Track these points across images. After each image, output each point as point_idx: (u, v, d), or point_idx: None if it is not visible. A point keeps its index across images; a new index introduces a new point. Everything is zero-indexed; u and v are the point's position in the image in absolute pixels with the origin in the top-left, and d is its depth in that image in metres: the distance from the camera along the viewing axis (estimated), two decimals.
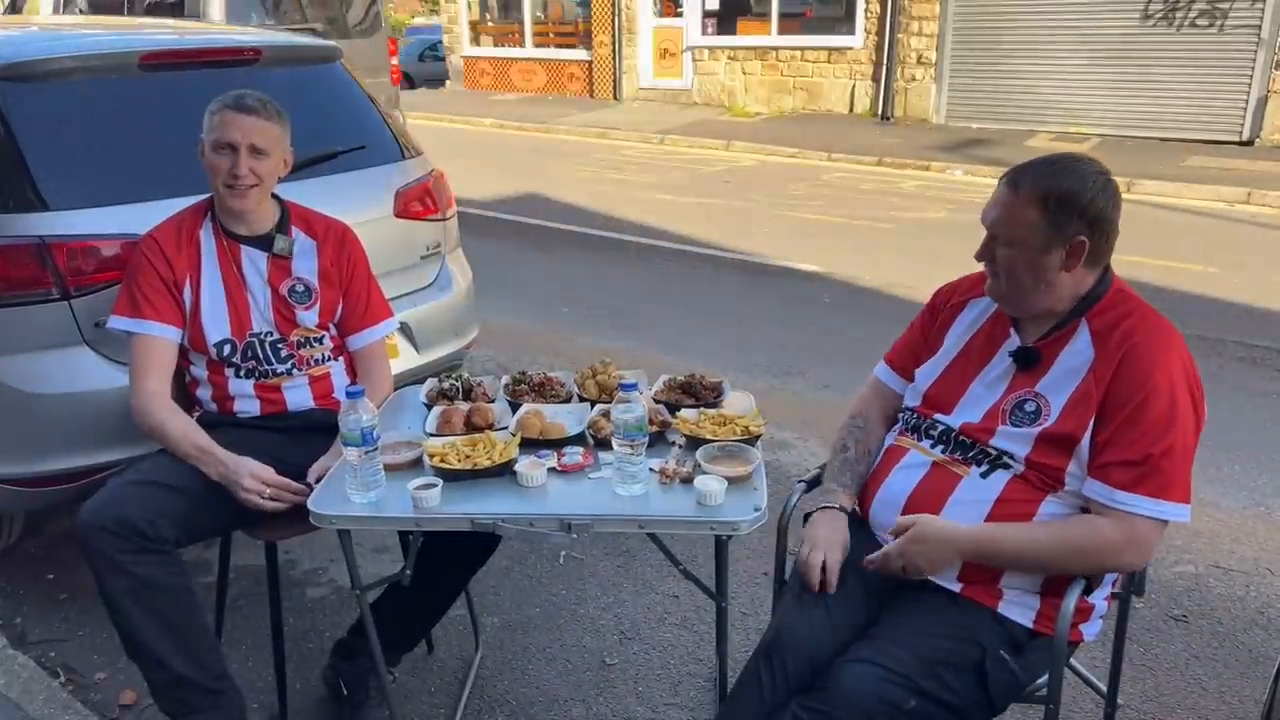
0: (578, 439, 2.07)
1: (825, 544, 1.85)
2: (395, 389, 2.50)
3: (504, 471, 1.92)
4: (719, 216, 8.24)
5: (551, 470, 1.94)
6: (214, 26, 4.57)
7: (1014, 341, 1.84)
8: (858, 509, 1.98)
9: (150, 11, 9.17)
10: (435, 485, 1.84)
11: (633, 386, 1.87)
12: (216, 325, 2.29)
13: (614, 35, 15.40)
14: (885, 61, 12.70)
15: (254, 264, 2.33)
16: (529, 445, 2.03)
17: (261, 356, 2.33)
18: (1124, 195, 1.77)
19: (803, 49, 13.61)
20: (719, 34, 14.56)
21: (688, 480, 1.87)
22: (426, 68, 20.41)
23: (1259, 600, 2.89)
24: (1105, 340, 1.73)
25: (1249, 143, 10.45)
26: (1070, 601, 1.68)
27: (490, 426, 2.11)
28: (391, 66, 10.13)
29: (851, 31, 13.15)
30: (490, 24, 17.88)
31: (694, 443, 2.01)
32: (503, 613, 2.87)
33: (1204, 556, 3.11)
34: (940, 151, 10.64)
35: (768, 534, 2.01)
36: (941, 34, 12.31)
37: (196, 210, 2.35)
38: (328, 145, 3.03)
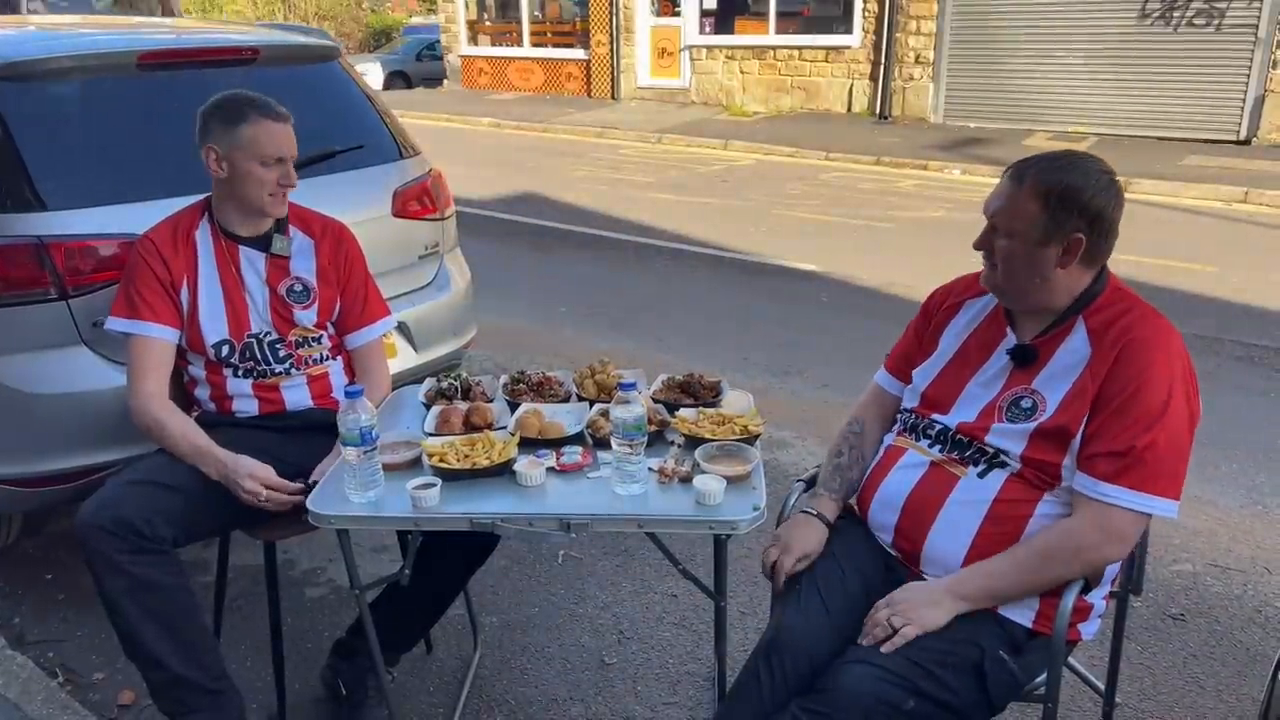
0: (576, 438, 2.07)
1: (783, 545, 1.88)
2: (394, 389, 2.50)
3: (503, 471, 1.92)
4: (717, 216, 8.24)
5: (550, 470, 1.94)
6: (212, 26, 4.56)
7: (1010, 340, 1.84)
8: (855, 509, 1.99)
9: None
10: (434, 485, 1.84)
11: (631, 386, 1.86)
12: (214, 326, 2.29)
13: (612, 34, 15.40)
14: (883, 61, 12.71)
15: (252, 264, 2.33)
16: (528, 445, 2.03)
17: (260, 357, 2.33)
18: None
19: (800, 48, 13.62)
20: (717, 33, 14.58)
21: (686, 480, 1.87)
22: (424, 67, 20.43)
23: (1256, 599, 2.89)
24: (1102, 337, 1.73)
25: (1246, 142, 10.48)
26: (1068, 600, 1.68)
27: (489, 426, 2.11)
28: None
29: (849, 31, 13.16)
30: (488, 23, 17.89)
31: (693, 442, 2.01)
32: (501, 612, 2.87)
33: (1202, 555, 3.12)
34: (938, 151, 10.66)
35: (766, 533, 2.01)
36: (939, 33, 12.32)
37: (193, 211, 2.34)
38: (326, 145, 3.03)
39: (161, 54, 2.86)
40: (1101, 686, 2.12)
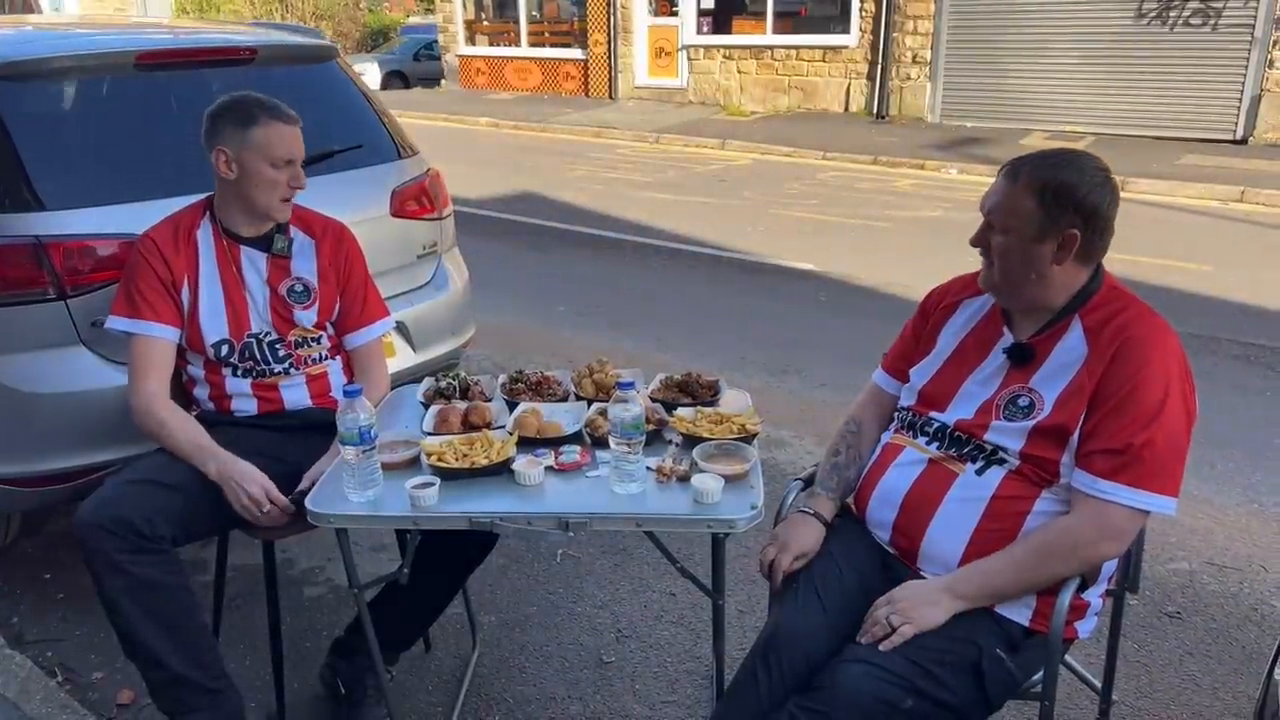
0: (575, 438, 2.07)
1: (781, 544, 1.89)
2: (392, 388, 2.50)
3: (501, 470, 1.92)
4: (714, 215, 8.25)
5: (549, 469, 1.94)
6: (210, 26, 4.56)
7: (1007, 339, 1.85)
8: (852, 508, 1.99)
9: None
10: (433, 484, 1.84)
11: (629, 385, 1.87)
12: (214, 326, 2.29)
13: (609, 34, 15.40)
14: (880, 60, 12.72)
15: (253, 264, 2.33)
16: (526, 444, 2.03)
17: (259, 356, 2.33)
18: None
19: (798, 48, 13.63)
20: (714, 33, 14.58)
21: (685, 478, 1.88)
22: (422, 67, 20.40)
23: (1253, 597, 2.90)
24: (1098, 335, 1.73)
25: (1242, 141, 10.49)
26: (1065, 599, 1.68)
27: (487, 425, 2.11)
28: None
29: (846, 30, 13.17)
30: (486, 23, 17.88)
31: (691, 441, 2.02)
32: (500, 611, 2.87)
33: (1198, 553, 3.13)
34: (935, 150, 10.67)
35: (764, 532, 2.02)
36: (936, 33, 12.33)
37: (194, 210, 2.34)
38: (324, 144, 3.02)
39: (159, 54, 2.86)
40: (1098, 684, 2.12)
